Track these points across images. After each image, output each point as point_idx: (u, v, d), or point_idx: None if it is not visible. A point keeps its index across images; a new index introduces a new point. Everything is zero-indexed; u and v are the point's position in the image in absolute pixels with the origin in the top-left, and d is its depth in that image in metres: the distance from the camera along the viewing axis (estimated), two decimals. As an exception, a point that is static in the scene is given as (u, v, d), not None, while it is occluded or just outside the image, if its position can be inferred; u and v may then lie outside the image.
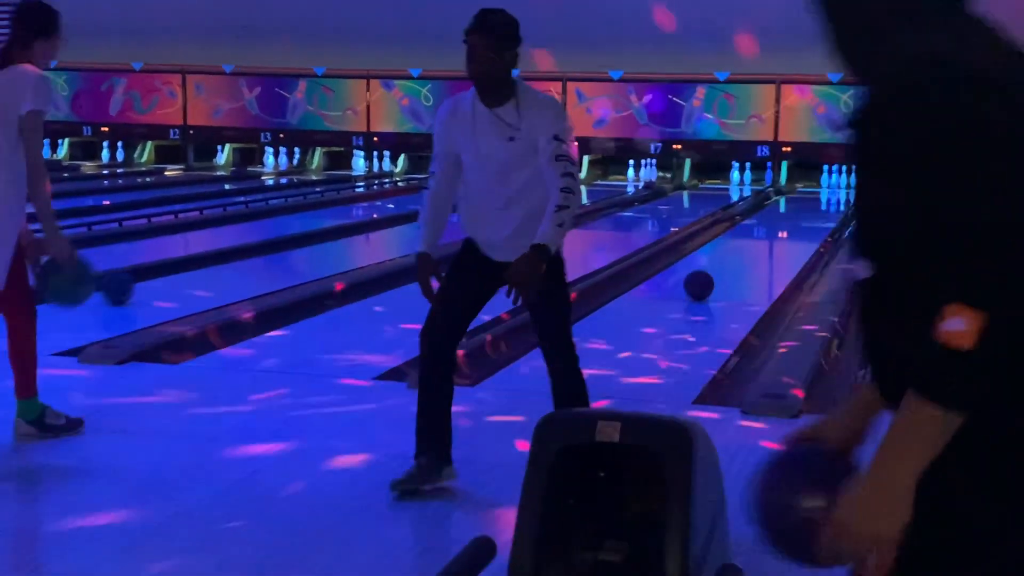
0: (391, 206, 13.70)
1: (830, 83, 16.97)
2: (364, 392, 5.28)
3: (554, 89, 17.97)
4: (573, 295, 7.66)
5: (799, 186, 17.32)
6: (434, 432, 3.89)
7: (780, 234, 12.88)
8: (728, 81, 17.39)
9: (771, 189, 16.86)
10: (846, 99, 16.92)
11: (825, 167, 17.32)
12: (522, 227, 3.85)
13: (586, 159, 18.34)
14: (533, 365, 5.92)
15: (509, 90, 3.85)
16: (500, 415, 4.95)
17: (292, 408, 5.01)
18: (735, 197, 16.26)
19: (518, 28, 3.84)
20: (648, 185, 17.11)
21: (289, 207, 13.18)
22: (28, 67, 4.31)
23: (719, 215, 13.31)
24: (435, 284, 3.89)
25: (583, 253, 11.60)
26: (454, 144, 3.92)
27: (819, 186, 17.36)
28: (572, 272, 4.21)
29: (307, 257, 9.96)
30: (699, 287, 7.82)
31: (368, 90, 17.98)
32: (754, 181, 17.43)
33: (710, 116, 17.49)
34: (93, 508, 3.75)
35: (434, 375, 3.89)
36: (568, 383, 3.91)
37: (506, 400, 5.16)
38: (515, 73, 3.89)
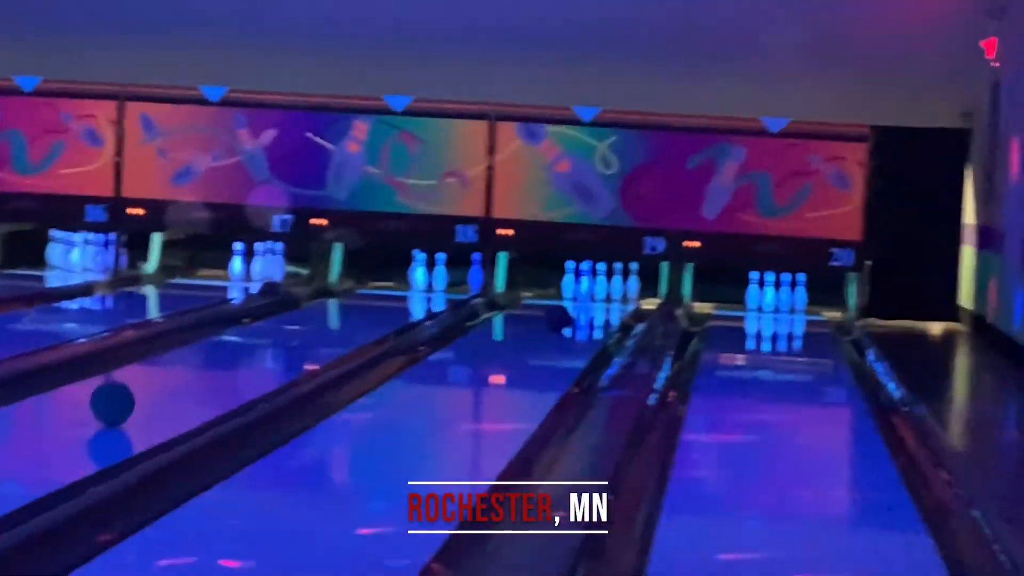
0: None
1: (580, 123, 17.53)
2: None
3: (102, 114, 17.70)
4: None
5: (525, 296, 17.71)
6: None
7: (493, 379, 13.02)
8: (408, 112, 17.67)
9: (480, 300, 17.15)
10: (604, 149, 17.50)
11: (570, 264, 17.80)
12: None
13: (158, 238, 18.09)
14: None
15: None
16: None
17: None
18: (420, 312, 16.39)
19: None
20: (268, 288, 17.10)
21: None
22: None
23: (390, 344, 13.37)
24: None
25: (141, 422, 11.27)
26: None
27: (560, 296, 17.78)
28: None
29: None
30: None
31: None
32: (451, 286, 17.69)
33: (377, 171, 17.69)
34: None
35: None
36: None
37: None
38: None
